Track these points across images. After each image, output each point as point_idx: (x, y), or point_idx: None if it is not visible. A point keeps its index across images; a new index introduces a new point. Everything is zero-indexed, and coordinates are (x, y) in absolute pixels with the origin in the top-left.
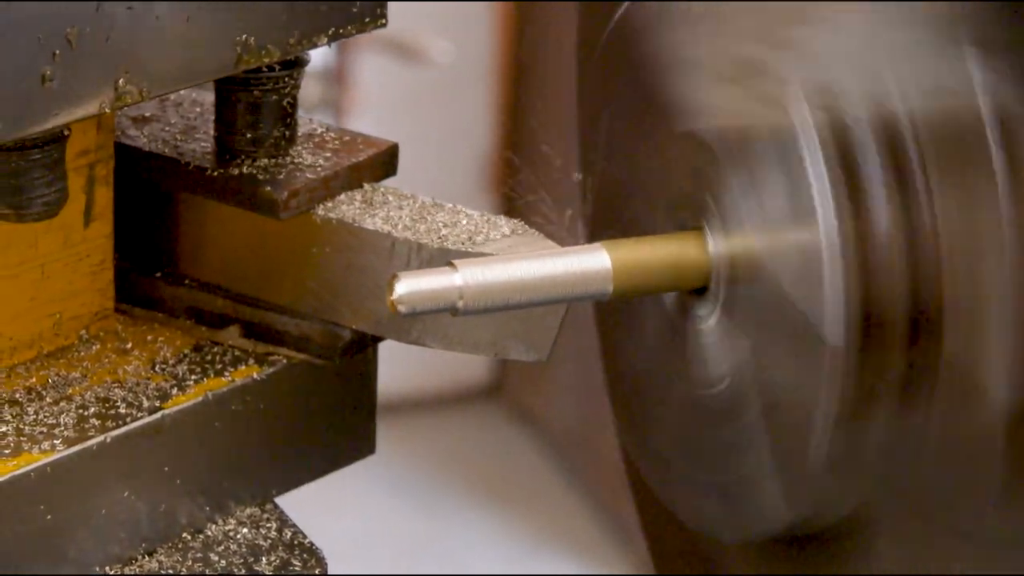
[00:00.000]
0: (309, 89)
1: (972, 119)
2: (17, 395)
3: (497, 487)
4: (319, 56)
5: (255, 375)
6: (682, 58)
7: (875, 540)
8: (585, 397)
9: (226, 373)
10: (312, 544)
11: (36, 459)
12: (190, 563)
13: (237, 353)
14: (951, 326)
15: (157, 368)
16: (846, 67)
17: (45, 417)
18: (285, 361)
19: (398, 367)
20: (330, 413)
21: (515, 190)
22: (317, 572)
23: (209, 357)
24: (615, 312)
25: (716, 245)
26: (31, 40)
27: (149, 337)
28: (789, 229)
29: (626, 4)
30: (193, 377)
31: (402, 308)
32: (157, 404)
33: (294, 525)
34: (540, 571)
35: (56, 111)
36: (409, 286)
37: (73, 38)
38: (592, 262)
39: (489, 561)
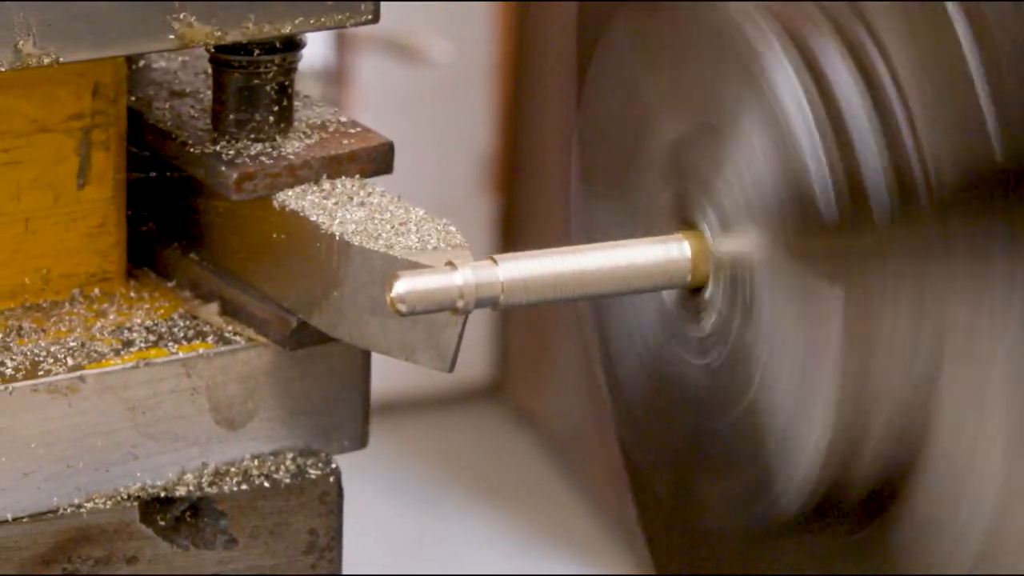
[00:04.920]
0: (309, 88)
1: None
2: None
3: (497, 487)
4: (319, 55)
5: (201, 351)
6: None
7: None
8: (585, 397)
9: (172, 345)
10: None
11: None
12: None
13: (203, 328)
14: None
15: (114, 332)
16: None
17: None
18: (243, 343)
19: (398, 366)
20: (287, 399)
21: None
22: None
23: (175, 329)
24: (613, 313)
25: (715, 244)
26: None
27: (139, 304)
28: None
29: (624, 4)
30: (141, 344)
31: (402, 307)
32: (82, 363)
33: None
34: (540, 571)
35: None
36: (409, 285)
37: None
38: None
39: (488, 561)
